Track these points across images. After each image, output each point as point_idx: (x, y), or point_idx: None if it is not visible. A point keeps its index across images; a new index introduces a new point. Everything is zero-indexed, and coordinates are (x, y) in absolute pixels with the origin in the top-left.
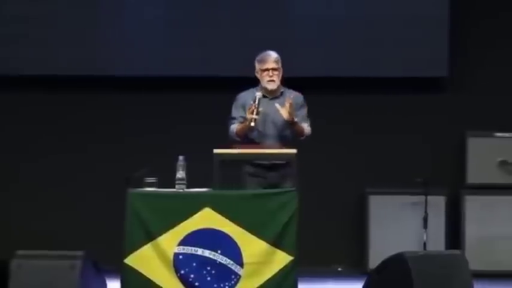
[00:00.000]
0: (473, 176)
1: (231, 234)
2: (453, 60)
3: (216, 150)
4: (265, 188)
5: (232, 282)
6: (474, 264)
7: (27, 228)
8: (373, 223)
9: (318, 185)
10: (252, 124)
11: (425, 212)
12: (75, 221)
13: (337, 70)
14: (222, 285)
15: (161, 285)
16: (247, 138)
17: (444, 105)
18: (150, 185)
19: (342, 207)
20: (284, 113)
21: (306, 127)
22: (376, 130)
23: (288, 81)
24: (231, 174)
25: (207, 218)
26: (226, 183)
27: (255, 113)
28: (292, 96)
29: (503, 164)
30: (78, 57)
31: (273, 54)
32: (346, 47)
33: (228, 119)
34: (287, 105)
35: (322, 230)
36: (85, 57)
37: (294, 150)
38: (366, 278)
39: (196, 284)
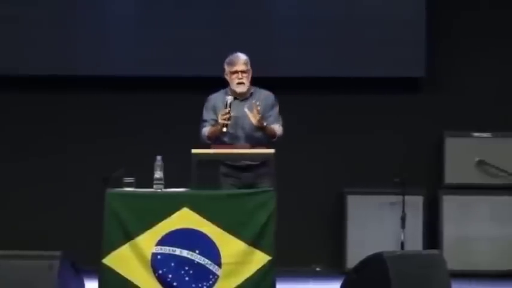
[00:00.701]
0: (451, 176)
1: (209, 234)
2: (431, 60)
3: (193, 150)
4: (240, 188)
5: (210, 282)
6: (452, 264)
7: (5, 228)
8: (351, 223)
9: (296, 184)
10: (224, 129)
11: (403, 211)
12: (53, 222)
13: (314, 70)
14: (200, 285)
15: (139, 285)
16: (218, 140)
17: (422, 105)
18: (128, 185)
19: (320, 207)
20: (253, 118)
21: (278, 128)
22: (354, 130)
23: (266, 81)
24: (208, 174)
25: (185, 218)
26: (204, 183)
27: (226, 118)
28: (262, 97)
29: (480, 164)
30: (56, 58)
31: (241, 57)
32: (324, 47)
33: (200, 121)
34: (255, 111)
35: (300, 230)
36: (63, 57)
37: (271, 150)
38: (343, 278)
39: (174, 284)
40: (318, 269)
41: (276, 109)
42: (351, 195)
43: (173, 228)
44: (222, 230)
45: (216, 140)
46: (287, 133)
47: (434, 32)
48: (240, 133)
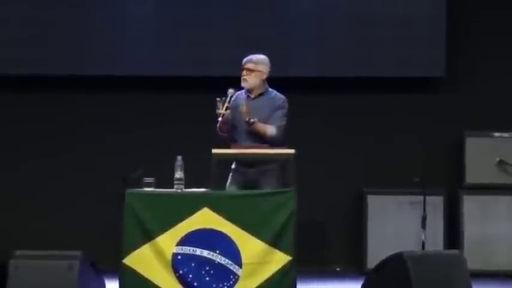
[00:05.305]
0: (471, 176)
1: (229, 234)
2: (451, 60)
3: (214, 150)
4: (244, 184)
5: (231, 282)
6: (472, 264)
7: (24, 229)
8: (371, 223)
9: (316, 185)
10: (220, 119)
11: (424, 211)
12: (73, 222)
13: (334, 70)
14: (220, 285)
15: (160, 285)
16: (228, 133)
17: (442, 105)
18: (148, 185)
19: (340, 207)
20: (243, 113)
21: (269, 127)
22: (374, 130)
23: (285, 82)
24: (228, 174)
25: (205, 218)
26: (224, 183)
27: (224, 108)
28: (269, 98)
29: (501, 163)
30: (72, 57)
31: (252, 57)
32: (343, 46)
33: None
34: (241, 108)
35: (320, 230)
36: (80, 57)
37: (291, 151)
38: (364, 278)
39: (195, 284)
40: (338, 269)
41: (280, 111)
42: (371, 195)
43: (193, 229)
44: (242, 230)
45: (227, 132)
46: (307, 133)
47: (454, 32)
48: (241, 128)
